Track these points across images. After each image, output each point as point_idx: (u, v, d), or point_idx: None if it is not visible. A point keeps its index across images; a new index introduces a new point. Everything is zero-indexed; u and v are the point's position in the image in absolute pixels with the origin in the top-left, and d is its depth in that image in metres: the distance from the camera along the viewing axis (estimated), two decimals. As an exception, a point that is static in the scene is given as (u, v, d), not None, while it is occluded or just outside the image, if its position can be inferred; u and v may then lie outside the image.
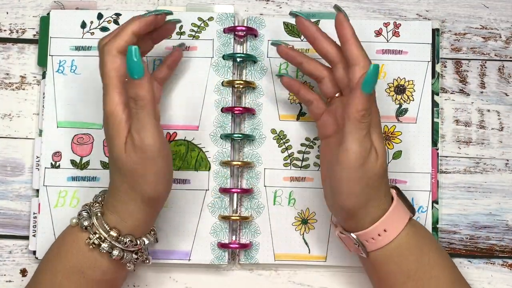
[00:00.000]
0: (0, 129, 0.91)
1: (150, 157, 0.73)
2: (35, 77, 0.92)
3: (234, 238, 0.88)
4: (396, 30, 0.91)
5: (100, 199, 0.81)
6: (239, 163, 0.88)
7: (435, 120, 0.90)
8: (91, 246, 0.76)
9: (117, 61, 0.74)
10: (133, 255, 0.79)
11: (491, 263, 0.89)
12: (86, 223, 0.77)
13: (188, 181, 0.89)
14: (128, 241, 0.77)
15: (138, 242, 0.78)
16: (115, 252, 0.77)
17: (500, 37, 0.93)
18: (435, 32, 0.91)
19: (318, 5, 0.93)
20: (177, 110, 0.89)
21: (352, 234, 0.78)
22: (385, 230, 0.76)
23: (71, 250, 0.78)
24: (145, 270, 0.89)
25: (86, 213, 0.78)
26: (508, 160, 0.91)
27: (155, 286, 0.89)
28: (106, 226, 0.76)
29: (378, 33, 0.91)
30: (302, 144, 0.89)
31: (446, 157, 0.91)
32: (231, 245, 0.87)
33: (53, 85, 0.90)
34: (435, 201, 0.89)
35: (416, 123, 0.89)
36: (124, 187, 0.75)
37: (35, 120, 0.91)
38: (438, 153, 0.90)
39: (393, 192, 0.78)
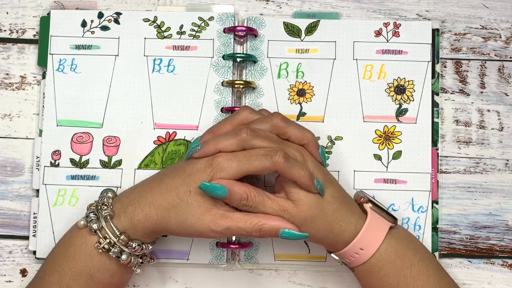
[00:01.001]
0: (0, 129, 0.91)
1: (203, 232, 0.77)
2: (35, 77, 0.92)
3: (234, 238, 0.88)
4: (396, 30, 0.91)
5: (105, 200, 0.81)
6: None
7: (435, 120, 0.90)
8: (100, 250, 0.77)
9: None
10: (139, 259, 0.81)
11: (491, 263, 0.89)
12: (95, 227, 0.77)
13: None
14: (137, 245, 0.78)
15: (144, 247, 0.80)
16: (124, 257, 0.78)
17: (500, 37, 0.93)
18: (435, 32, 0.91)
19: (318, 5, 0.93)
20: (177, 110, 0.89)
21: (333, 255, 0.81)
22: (361, 249, 0.78)
23: (79, 253, 0.78)
24: (145, 270, 0.89)
25: (94, 215, 0.78)
26: (508, 160, 0.91)
27: (155, 286, 0.89)
28: (116, 231, 0.77)
29: (378, 33, 0.91)
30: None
31: (446, 157, 0.91)
32: (231, 245, 0.87)
33: (53, 84, 0.90)
34: (435, 201, 0.89)
35: (416, 123, 0.89)
36: (159, 204, 0.78)
37: (35, 120, 0.91)
38: (438, 153, 0.90)
39: (368, 207, 0.80)
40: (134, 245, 0.78)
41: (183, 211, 0.76)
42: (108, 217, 0.78)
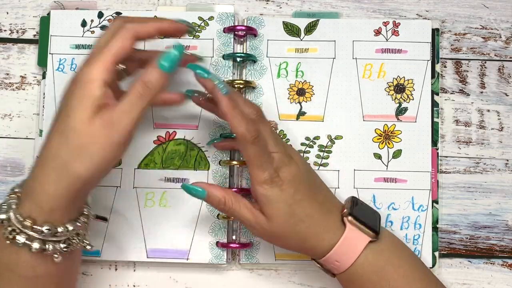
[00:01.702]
0: (0, 129, 0.91)
1: (116, 142, 0.69)
2: (35, 77, 0.92)
3: (234, 237, 0.88)
4: (395, 29, 0.91)
5: (17, 189, 0.74)
6: (239, 162, 0.88)
7: (435, 120, 0.90)
8: (7, 241, 0.70)
9: (127, 43, 0.71)
10: (60, 244, 0.71)
11: (491, 263, 0.89)
12: (2, 217, 0.71)
13: (187, 180, 0.89)
14: (46, 229, 0.70)
15: (60, 230, 0.71)
16: (35, 245, 0.70)
17: (500, 37, 0.93)
18: (435, 32, 0.91)
19: (318, 5, 0.93)
20: (177, 109, 0.89)
21: (313, 261, 0.81)
22: (336, 261, 0.77)
23: None
24: (145, 270, 0.89)
25: (5, 206, 0.72)
26: (508, 160, 0.91)
27: (155, 286, 0.89)
28: (19, 217, 0.70)
29: (378, 32, 0.91)
30: (302, 144, 0.89)
31: (446, 157, 0.91)
32: (231, 245, 0.87)
33: (53, 83, 0.90)
34: (435, 201, 0.89)
35: (416, 122, 0.89)
36: (58, 161, 0.69)
37: (35, 120, 0.91)
38: (438, 153, 0.90)
39: (347, 221, 0.78)
40: (42, 230, 0.70)
41: (69, 132, 0.69)
42: (14, 205, 0.71)
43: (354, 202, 0.81)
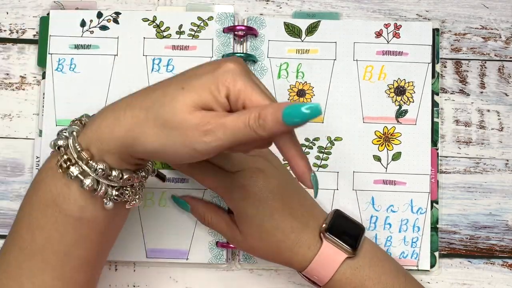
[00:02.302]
0: (0, 129, 0.91)
1: (193, 146, 0.61)
2: (35, 77, 0.92)
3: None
4: (397, 32, 0.91)
5: (84, 117, 0.70)
6: None
7: (435, 120, 0.90)
8: (59, 170, 0.66)
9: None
10: (113, 190, 0.68)
11: (491, 263, 0.89)
12: (60, 143, 0.66)
13: (186, 180, 0.89)
14: (100, 168, 0.65)
15: (114, 174, 0.66)
16: (87, 181, 0.65)
17: (500, 37, 0.93)
18: (435, 32, 0.91)
19: (318, 5, 0.93)
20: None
21: (298, 273, 0.81)
22: (315, 276, 0.78)
23: (45, 179, 0.68)
24: (145, 270, 0.89)
25: (65, 133, 0.68)
26: (508, 160, 0.91)
27: (155, 286, 0.89)
28: (78, 146, 0.65)
29: (379, 34, 0.91)
30: (302, 145, 0.89)
31: (446, 157, 0.91)
32: (231, 245, 0.87)
33: (52, 83, 0.90)
34: (435, 201, 0.89)
35: (416, 124, 0.89)
36: (137, 115, 0.63)
37: (35, 120, 0.91)
38: (438, 153, 0.90)
39: (323, 238, 0.78)
40: (97, 167, 0.65)
41: (166, 109, 0.62)
42: (75, 132, 0.67)
43: (336, 216, 0.80)
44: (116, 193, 0.67)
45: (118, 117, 0.64)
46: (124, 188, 0.68)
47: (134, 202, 0.70)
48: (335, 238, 0.77)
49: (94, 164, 0.65)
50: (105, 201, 0.67)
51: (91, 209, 0.68)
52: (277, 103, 0.60)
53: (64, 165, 0.65)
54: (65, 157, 0.65)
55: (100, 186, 0.66)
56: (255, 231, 0.77)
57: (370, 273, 0.77)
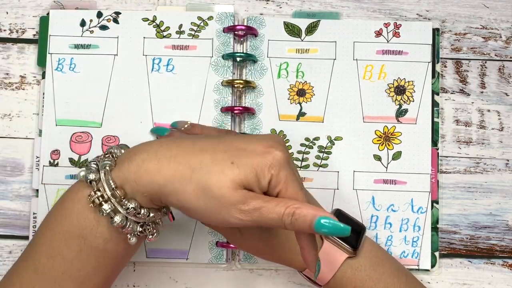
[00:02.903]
0: (0, 129, 0.91)
1: (226, 220, 0.65)
2: (35, 77, 0.92)
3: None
4: (397, 31, 0.91)
5: (115, 149, 0.71)
6: None
7: (435, 120, 0.90)
8: (91, 205, 0.67)
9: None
10: (138, 226, 0.70)
11: (491, 263, 0.89)
12: (91, 177, 0.67)
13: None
14: (132, 207, 0.67)
15: (142, 212, 0.68)
16: (117, 218, 0.67)
17: (500, 37, 0.93)
18: (435, 32, 0.91)
19: (318, 5, 0.93)
20: (176, 109, 0.89)
21: (299, 272, 0.81)
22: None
23: (71, 209, 0.69)
24: (145, 270, 0.89)
25: (95, 165, 0.69)
26: (508, 160, 0.91)
27: (155, 286, 0.89)
28: (112, 183, 0.67)
29: (379, 33, 0.91)
30: (301, 144, 0.89)
31: (446, 157, 0.91)
32: (231, 245, 0.87)
33: (52, 83, 0.90)
34: (435, 201, 0.89)
35: (416, 123, 0.89)
36: (178, 166, 0.66)
37: (35, 120, 0.91)
38: (438, 153, 0.90)
39: (324, 236, 0.77)
40: (129, 206, 0.67)
41: (212, 177, 0.64)
42: (108, 167, 0.68)
43: (337, 215, 0.79)
44: (140, 229, 0.70)
45: (162, 166, 0.66)
46: (147, 224, 0.71)
47: (152, 236, 0.72)
48: (336, 238, 0.77)
49: (126, 202, 0.67)
50: (129, 236, 0.70)
51: (115, 242, 0.70)
52: (312, 209, 0.64)
53: (97, 202, 0.67)
54: (99, 193, 0.67)
55: (128, 224, 0.68)
56: (255, 231, 0.76)
57: (371, 272, 0.77)
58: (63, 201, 0.71)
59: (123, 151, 0.71)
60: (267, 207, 0.64)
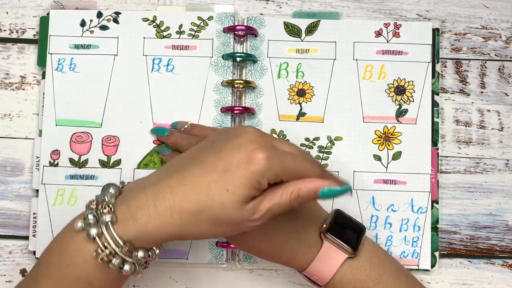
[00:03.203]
0: (0, 129, 0.91)
1: (241, 224, 0.69)
2: (35, 77, 0.92)
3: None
4: (397, 31, 0.91)
5: (107, 198, 0.70)
6: None
7: (435, 120, 0.90)
8: (99, 260, 0.68)
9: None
10: (145, 264, 0.72)
11: (491, 263, 0.89)
12: (93, 232, 0.67)
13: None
14: (143, 255, 0.69)
15: (151, 254, 0.71)
16: (127, 268, 0.69)
17: (500, 37, 0.93)
18: (435, 32, 0.91)
19: (318, 5, 0.93)
20: (176, 109, 0.89)
21: (299, 273, 0.80)
22: (315, 276, 0.77)
23: (75, 260, 0.69)
24: (145, 270, 0.89)
25: (93, 218, 0.68)
26: (508, 160, 0.91)
27: (155, 286, 0.89)
28: (119, 240, 0.67)
29: (378, 33, 0.91)
30: (302, 144, 0.89)
31: (446, 157, 0.91)
32: (231, 245, 0.87)
33: (52, 83, 0.90)
34: (435, 201, 0.89)
35: (416, 124, 0.89)
36: (188, 209, 0.68)
37: (35, 120, 0.91)
38: (438, 153, 0.90)
39: (324, 238, 0.77)
40: (140, 255, 0.69)
41: (217, 212, 0.67)
42: (110, 223, 0.67)
43: (336, 216, 0.79)
44: (145, 265, 0.72)
45: (168, 221, 0.67)
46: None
47: (141, 272, 0.73)
48: (336, 238, 0.77)
49: (138, 253, 0.69)
50: (138, 276, 0.72)
51: (122, 281, 0.74)
52: (312, 183, 0.70)
53: (106, 259, 0.68)
54: (107, 251, 0.67)
55: (136, 267, 0.70)
56: (255, 232, 0.75)
57: (370, 273, 0.77)
58: (64, 251, 0.71)
59: (112, 191, 0.71)
60: (274, 203, 0.69)
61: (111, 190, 0.71)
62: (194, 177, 0.68)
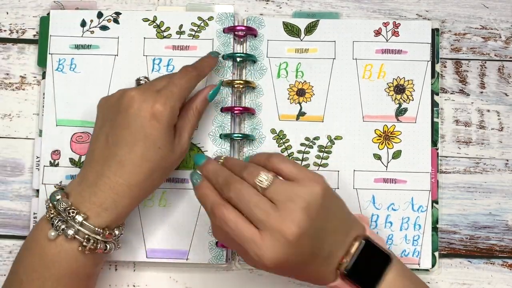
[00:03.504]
0: (0, 129, 0.91)
1: (181, 156, 0.83)
2: (35, 77, 0.92)
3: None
4: (396, 30, 0.91)
5: (62, 203, 0.76)
6: None
7: (435, 120, 0.90)
8: (87, 252, 0.76)
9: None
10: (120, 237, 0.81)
11: (491, 263, 0.89)
12: (71, 233, 0.75)
13: (186, 181, 0.89)
14: (118, 234, 0.80)
15: (122, 228, 0.81)
16: (110, 247, 0.79)
17: (500, 37, 0.93)
18: (435, 32, 0.91)
19: (318, 5, 0.93)
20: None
21: None
22: None
23: (59, 260, 0.76)
24: (144, 270, 0.89)
25: (61, 223, 0.75)
26: (508, 160, 0.91)
27: (155, 286, 0.89)
28: (98, 229, 0.76)
29: (378, 32, 0.91)
30: (302, 144, 0.89)
31: (446, 157, 0.91)
32: (231, 245, 0.87)
33: (53, 83, 0.90)
34: (435, 201, 0.89)
35: (415, 122, 0.89)
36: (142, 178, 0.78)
37: (35, 120, 0.91)
38: (438, 153, 0.90)
39: (340, 276, 0.74)
40: (117, 233, 0.79)
41: (161, 162, 0.79)
42: (84, 221, 0.75)
43: (361, 251, 0.74)
44: (118, 244, 0.81)
45: (131, 196, 0.78)
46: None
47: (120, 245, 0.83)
48: (351, 280, 0.73)
49: (115, 232, 0.80)
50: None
51: (103, 261, 0.83)
52: (200, 96, 0.85)
53: (92, 247, 0.76)
54: (91, 241, 0.76)
55: (112, 245, 0.80)
56: (279, 250, 0.70)
57: None
58: (43, 255, 0.77)
59: (59, 197, 0.78)
60: (190, 127, 0.84)
61: (58, 197, 0.77)
62: (128, 155, 0.77)
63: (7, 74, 0.92)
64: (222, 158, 0.77)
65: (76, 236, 0.75)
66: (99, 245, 0.76)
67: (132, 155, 0.77)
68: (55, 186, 0.80)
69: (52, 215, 0.76)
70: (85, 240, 0.75)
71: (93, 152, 0.80)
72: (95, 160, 0.79)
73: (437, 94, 0.90)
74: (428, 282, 0.88)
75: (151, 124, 0.77)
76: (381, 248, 0.75)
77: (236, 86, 0.89)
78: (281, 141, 0.89)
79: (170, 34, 0.91)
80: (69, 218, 0.75)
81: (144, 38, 0.91)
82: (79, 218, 0.75)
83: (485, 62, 0.92)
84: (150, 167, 0.78)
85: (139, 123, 0.77)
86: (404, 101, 0.90)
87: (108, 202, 0.77)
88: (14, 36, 0.93)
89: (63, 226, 0.75)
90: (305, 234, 0.69)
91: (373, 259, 0.75)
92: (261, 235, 0.69)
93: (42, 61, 0.91)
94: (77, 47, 0.91)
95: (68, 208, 0.76)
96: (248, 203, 0.69)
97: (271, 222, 0.68)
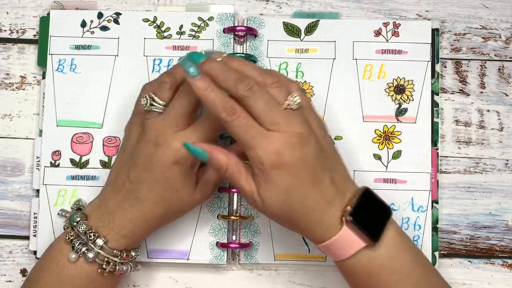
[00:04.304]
0: (0, 129, 0.91)
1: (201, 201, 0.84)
2: (35, 77, 0.92)
3: (234, 237, 0.88)
4: (396, 30, 0.91)
5: (82, 226, 0.79)
6: (237, 217, 0.89)
7: (435, 120, 0.90)
8: (106, 274, 0.79)
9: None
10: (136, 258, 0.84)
11: (491, 263, 0.89)
12: (91, 256, 0.77)
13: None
14: (135, 255, 0.82)
15: (138, 250, 0.83)
16: (127, 268, 0.81)
17: (500, 37, 0.93)
18: (435, 32, 0.91)
19: (318, 5, 0.93)
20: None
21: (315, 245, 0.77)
22: (328, 253, 0.76)
23: (79, 281, 0.79)
24: (145, 270, 0.89)
25: (81, 245, 0.78)
26: (508, 160, 0.91)
27: (155, 286, 0.89)
28: (117, 252, 0.79)
29: (378, 33, 0.91)
30: (302, 144, 0.89)
31: (446, 157, 0.91)
32: (231, 245, 0.87)
33: (53, 84, 0.90)
34: (435, 201, 0.89)
35: (415, 123, 0.89)
36: (157, 210, 0.80)
37: (35, 120, 0.91)
38: (438, 153, 0.90)
39: (345, 221, 0.73)
40: (133, 254, 0.81)
41: (177, 205, 0.81)
42: (104, 245, 0.78)
43: (363, 197, 0.75)
44: (134, 265, 0.84)
45: (146, 227, 0.81)
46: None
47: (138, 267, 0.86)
48: (357, 227, 0.73)
49: (132, 254, 0.82)
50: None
51: (119, 279, 0.85)
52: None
53: (112, 269, 0.79)
54: (111, 264, 0.79)
55: (129, 267, 0.82)
56: (276, 199, 0.73)
57: (387, 262, 0.74)
58: (62, 277, 0.79)
59: (79, 219, 0.79)
60: (215, 179, 0.85)
61: (78, 219, 0.79)
62: (149, 194, 0.79)
63: (7, 74, 0.92)
64: (225, 54, 0.78)
65: (96, 259, 0.78)
66: (117, 267, 0.79)
67: (152, 194, 0.78)
68: (72, 207, 0.86)
69: (72, 237, 0.78)
70: (105, 263, 0.78)
71: (116, 177, 0.81)
72: (117, 189, 0.80)
73: (437, 94, 0.90)
74: (428, 282, 0.88)
75: (172, 169, 0.77)
76: (381, 200, 0.77)
77: (236, 86, 0.89)
78: (281, 141, 0.89)
79: (171, 35, 0.91)
80: (89, 241, 0.77)
81: (144, 38, 0.91)
82: (99, 242, 0.77)
83: (485, 62, 0.92)
84: (167, 206, 0.80)
85: (161, 168, 0.77)
86: (404, 101, 0.90)
87: (125, 230, 0.79)
88: (14, 36, 0.93)
89: (83, 249, 0.77)
90: (314, 143, 0.74)
91: (375, 210, 0.76)
92: (271, 133, 0.72)
93: (42, 61, 0.91)
94: (77, 47, 0.91)
95: (89, 231, 0.78)
96: (267, 103, 0.73)
97: (286, 123, 0.73)
